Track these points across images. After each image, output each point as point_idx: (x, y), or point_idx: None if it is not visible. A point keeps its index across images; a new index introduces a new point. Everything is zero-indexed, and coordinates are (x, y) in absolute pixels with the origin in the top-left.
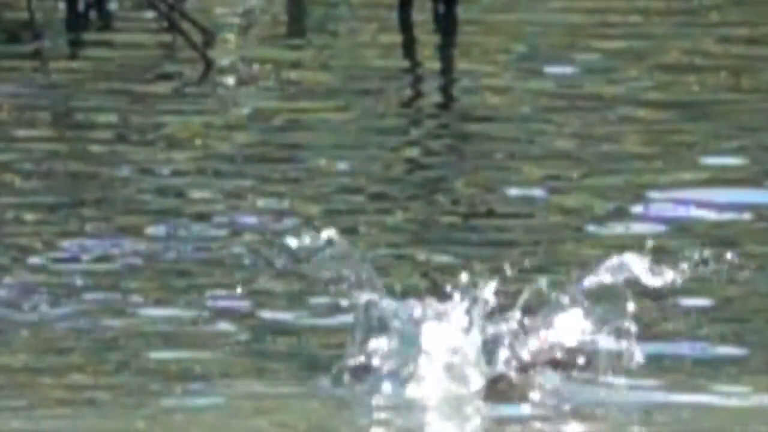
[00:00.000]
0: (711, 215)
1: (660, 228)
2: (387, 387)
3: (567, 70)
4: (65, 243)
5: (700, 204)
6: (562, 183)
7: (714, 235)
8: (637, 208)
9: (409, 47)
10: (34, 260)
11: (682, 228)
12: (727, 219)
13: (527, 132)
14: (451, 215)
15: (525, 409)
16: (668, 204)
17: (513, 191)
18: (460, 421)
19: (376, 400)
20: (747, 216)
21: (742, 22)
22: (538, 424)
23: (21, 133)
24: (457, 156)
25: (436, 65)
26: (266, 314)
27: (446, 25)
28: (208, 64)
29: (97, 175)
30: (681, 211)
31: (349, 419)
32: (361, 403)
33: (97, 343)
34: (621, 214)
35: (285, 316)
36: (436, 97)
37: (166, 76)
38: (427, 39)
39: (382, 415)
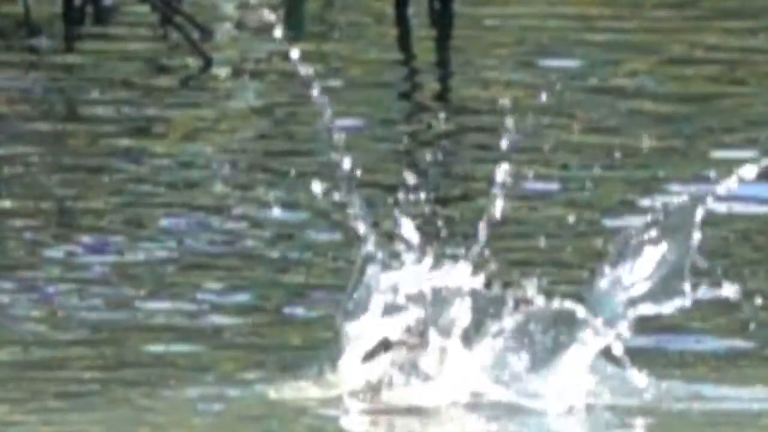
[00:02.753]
0: (722, 208)
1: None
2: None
3: (566, 63)
4: (74, 237)
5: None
6: (568, 174)
7: (726, 227)
8: (646, 201)
9: (405, 41)
10: (41, 254)
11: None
12: (739, 212)
13: (529, 124)
14: (452, 208)
15: (538, 404)
16: (677, 197)
17: (517, 184)
18: (466, 414)
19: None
20: (760, 209)
21: (742, 12)
22: (555, 419)
23: (24, 127)
24: (456, 149)
25: (433, 58)
26: (276, 307)
27: (442, 20)
28: (207, 61)
29: (104, 168)
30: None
31: (343, 413)
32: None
33: (104, 336)
34: (630, 208)
35: (295, 309)
36: (434, 90)
37: (164, 70)
38: (424, 32)
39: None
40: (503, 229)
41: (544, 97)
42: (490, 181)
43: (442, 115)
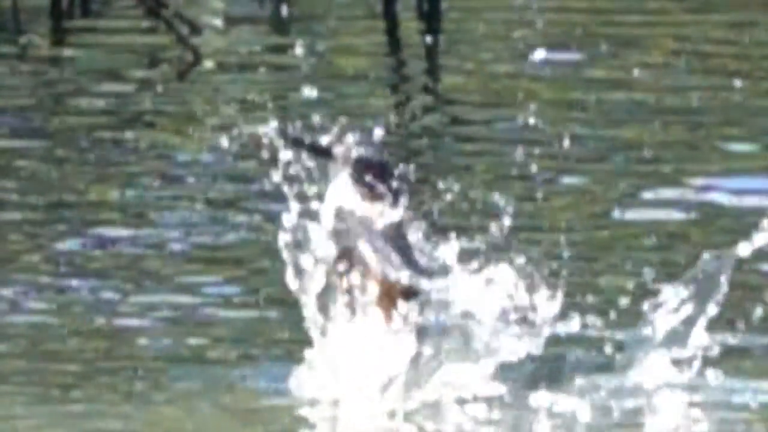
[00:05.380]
0: (724, 201)
1: (678, 214)
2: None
3: (562, 56)
4: (77, 230)
5: (720, 189)
6: (571, 166)
7: (734, 222)
8: (650, 194)
9: (393, 34)
10: (44, 248)
11: (703, 214)
12: (748, 206)
13: (527, 119)
14: (442, 200)
15: (569, 401)
16: (686, 189)
17: (514, 173)
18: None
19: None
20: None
21: (745, 4)
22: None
23: (18, 120)
24: (443, 141)
25: (421, 51)
26: (281, 300)
27: (430, 14)
28: (197, 56)
29: (104, 161)
30: (691, 196)
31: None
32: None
33: (107, 329)
34: (637, 200)
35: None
36: (421, 82)
37: (154, 63)
38: (414, 25)
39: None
40: (507, 221)
41: (538, 90)
42: (479, 172)
43: (429, 106)
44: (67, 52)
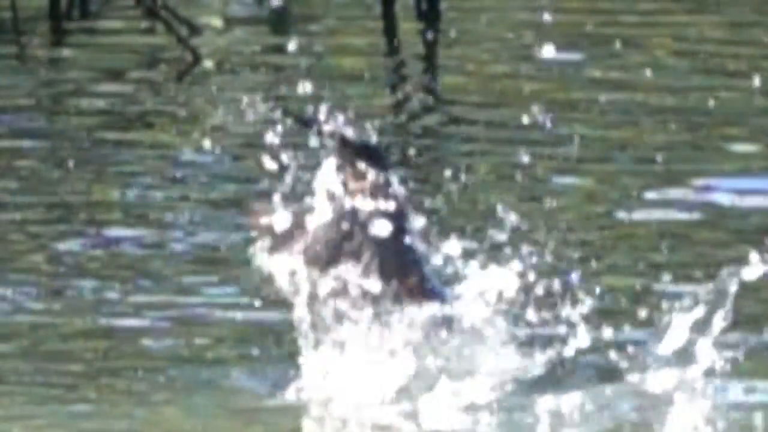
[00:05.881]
0: (726, 201)
1: (681, 215)
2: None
3: (562, 56)
4: (78, 230)
5: (722, 190)
6: (572, 167)
7: (737, 222)
8: (653, 194)
9: (391, 34)
10: (44, 247)
11: (706, 215)
12: (751, 206)
13: (529, 117)
14: (439, 200)
15: (583, 399)
16: (688, 190)
17: (515, 174)
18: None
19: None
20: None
21: (745, 4)
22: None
23: (17, 121)
24: (442, 141)
25: (420, 51)
26: (273, 301)
27: (429, 14)
28: (196, 57)
29: (104, 161)
30: (693, 196)
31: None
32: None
33: (107, 329)
34: (639, 201)
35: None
36: (420, 82)
37: (153, 63)
38: (412, 25)
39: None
40: (509, 222)
41: (542, 91)
42: (479, 172)
43: (429, 106)
44: (67, 52)
